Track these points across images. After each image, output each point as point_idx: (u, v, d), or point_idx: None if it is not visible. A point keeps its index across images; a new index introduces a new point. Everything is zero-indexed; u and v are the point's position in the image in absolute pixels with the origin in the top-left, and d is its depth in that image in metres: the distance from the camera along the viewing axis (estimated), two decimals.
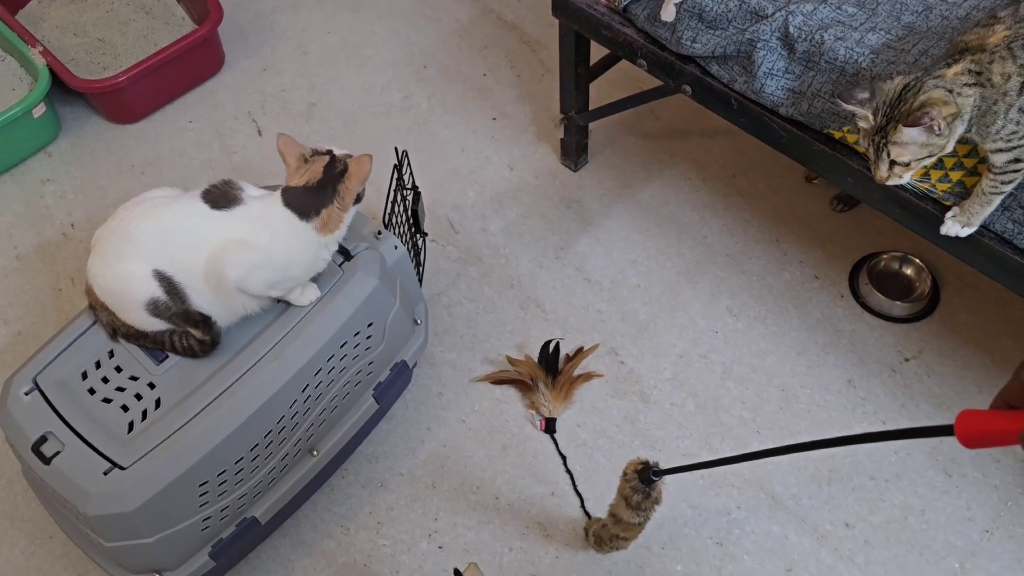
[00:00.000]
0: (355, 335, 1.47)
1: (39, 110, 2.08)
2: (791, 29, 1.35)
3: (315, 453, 1.52)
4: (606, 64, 1.91)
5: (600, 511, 1.58)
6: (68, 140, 2.19)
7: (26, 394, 1.36)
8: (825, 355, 1.76)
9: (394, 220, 1.63)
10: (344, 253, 1.48)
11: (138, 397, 1.35)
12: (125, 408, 1.34)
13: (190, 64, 2.22)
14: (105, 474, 1.28)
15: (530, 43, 2.31)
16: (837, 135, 1.37)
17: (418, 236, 1.78)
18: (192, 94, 2.26)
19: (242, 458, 1.37)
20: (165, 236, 1.34)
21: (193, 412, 1.32)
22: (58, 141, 2.19)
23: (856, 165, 1.37)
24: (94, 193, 2.09)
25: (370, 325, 1.49)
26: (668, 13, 1.46)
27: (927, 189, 1.30)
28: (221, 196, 1.37)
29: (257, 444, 1.39)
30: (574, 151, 2.01)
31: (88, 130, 2.21)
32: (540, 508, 1.60)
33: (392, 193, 1.61)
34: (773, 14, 1.37)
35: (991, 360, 1.72)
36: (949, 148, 1.18)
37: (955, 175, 1.28)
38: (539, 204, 2.01)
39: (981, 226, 1.29)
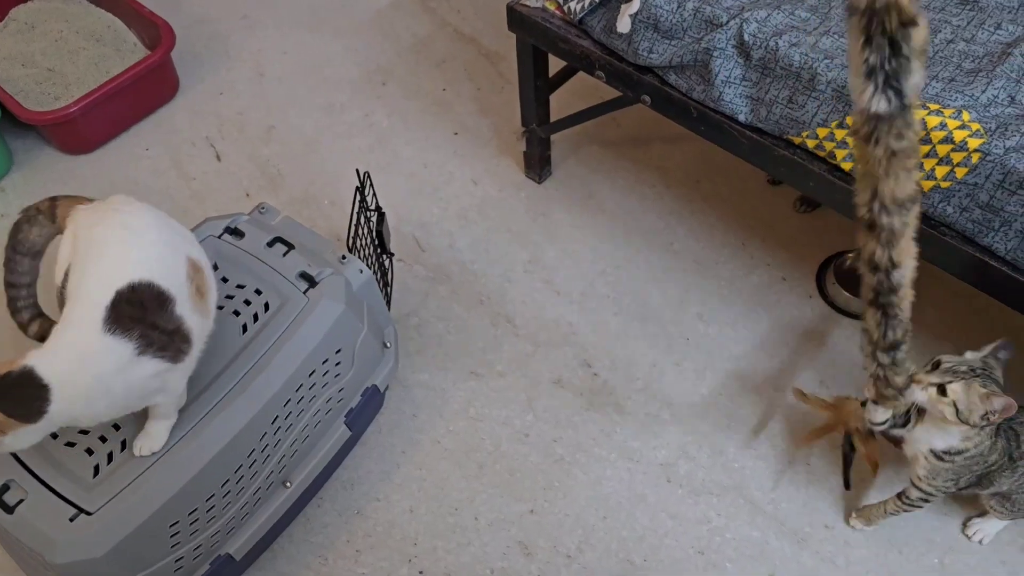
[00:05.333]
0: (323, 363, 1.45)
1: None
2: (746, 36, 1.35)
3: (288, 484, 1.49)
4: (565, 75, 1.90)
5: (580, 526, 1.58)
6: (21, 173, 2.15)
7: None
8: (796, 356, 1.76)
9: (359, 243, 1.61)
10: (308, 280, 1.46)
11: (103, 440, 1.32)
12: (90, 451, 1.30)
13: (144, 91, 2.18)
14: (71, 520, 1.25)
15: (488, 56, 2.30)
16: (796, 140, 1.38)
17: (384, 257, 1.76)
18: (147, 121, 2.22)
19: (213, 495, 1.34)
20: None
21: (160, 452, 1.29)
22: (11, 175, 2.14)
23: (816, 169, 1.38)
24: None
25: (338, 352, 1.47)
26: (623, 24, 1.45)
27: None
28: None
29: (228, 480, 1.36)
30: (537, 163, 2.00)
31: (41, 162, 2.16)
32: (520, 527, 1.59)
33: (355, 216, 1.59)
34: (728, 22, 1.37)
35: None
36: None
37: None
38: (505, 218, 2.00)
39: (943, 225, 1.30)
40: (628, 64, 1.52)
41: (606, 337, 1.81)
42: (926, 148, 1.26)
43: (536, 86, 1.80)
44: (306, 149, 2.14)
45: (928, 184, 1.27)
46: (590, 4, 1.50)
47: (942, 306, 1.80)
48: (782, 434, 1.67)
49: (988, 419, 1.19)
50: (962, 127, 1.23)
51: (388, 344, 1.64)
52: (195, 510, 1.33)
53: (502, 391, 1.75)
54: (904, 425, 1.32)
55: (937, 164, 1.26)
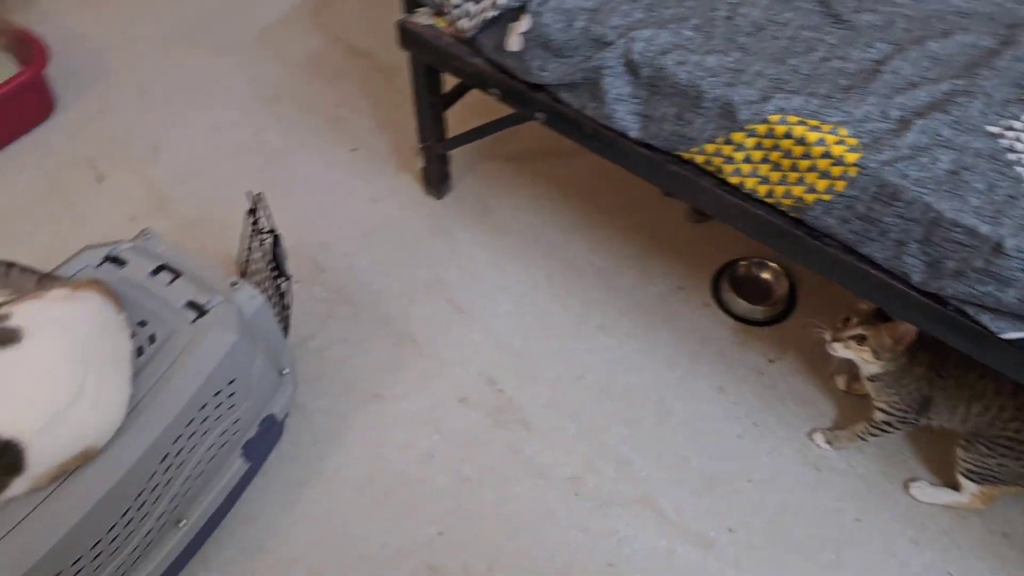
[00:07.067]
0: (216, 395, 1.39)
1: None
2: (634, 55, 1.37)
3: (182, 524, 1.42)
4: (461, 91, 1.90)
5: (490, 546, 1.56)
6: None
7: None
8: (695, 364, 1.80)
9: (252, 267, 1.56)
10: (197, 309, 1.40)
11: None
12: None
13: (16, 109, 2.06)
14: None
15: (384, 71, 2.27)
16: (686, 156, 1.41)
17: (281, 280, 1.71)
18: (21, 142, 2.10)
19: (100, 541, 1.27)
20: None
21: (37, 500, 1.21)
22: None
23: (706, 184, 1.41)
24: None
25: (232, 382, 1.42)
26: (514, 43, 1.45)
27: (775, 202, 1.35)
28: None
29: (115, 525, 1.28)
30: (436, 180, 1.98)
31: None
32: (429, 550, 1.56)
33: (248, 240, 1.54)
34: (615, 41, 1.38)
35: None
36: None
37: (797, 190, 1.33)
38: (406, 236, 1.98)
39: (826, 236, 1.35)
40: (521, 82, 1.52)
41: (510, 353, 1.80)
42: (807, 163, 1.30)
43: (431, 103, 1.79)
44: (195, 170, 2.07)
45: (811, 197, 1.32)
46: (481, 22, 1.49)
47: (830, 308, 1.87)
48: (685, 442, 1.70)
49: (898, 347, 1.46)
50: (840, 142, 1.28)
51: (285, 371, 1.59)
52: (79, 559, 1.25)
53: (406, 413, 1.72)
54: None
55: (819, 178, 1.30)
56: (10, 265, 1.31)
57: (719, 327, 1.85)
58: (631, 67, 1.38)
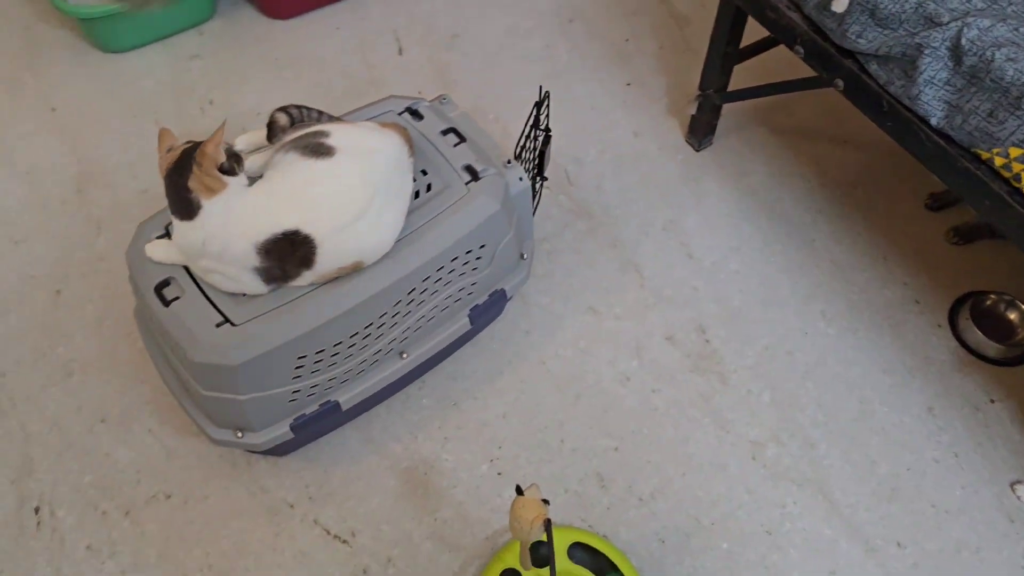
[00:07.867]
0: (467, 252, 1.52)
1: None
2: (963, 41, 1.34)
3: (404, 356, 1.58)
4: (755, 50, 1.91)
5: (658, 475, 1.62)
6: (220, 23, 2.29)
7: (156, 238, 1.44)
8: (911, 378, 1.75)
9: (522, 156, 1.68)
10: (472, 173, 1.53)
11: None
12: None
13: None
14: (217, 326, 1.35)
15: (677, 18, 2.32)
16: (984, 156, 1.37)
17: (539, 178, 1.82)
18: (343, 3, 2.34)
19: (340, 342, 1.44)
20: None
21: (308, 288, 1.39)
22: (211, 22, 2.29)
23: (996, 188, 1.36)
24: (236, 78, 2.18)
25: (482, 247, 1.54)
26: (840, 4, 1.46)
27: None
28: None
29: (357, 333, 1.45)
30: (701, 130, 2.02)
31: (241, 17, 2.30)
32: (602, 460, 1.64)
33: (528, 129, 1.66)
34: (948, 23, 1.36)
35: None
36: None
37: None
38: (657, 175, 2.03)
39: None
40: (831, 45, 1.52)
41: (727, 310, 1.83)
42: None
43: (725, 52, 1.82)
44: (484, 63, 2.22)
45: None
46: None
47: None
48: (878, 446, 1.67)
49: None
50: None
51: (525, 256, 1.70)
52: (322, 350, 1.43)
53: (615, 333, 1.80)
54: None
55: None
56: (320, 112, 1.50)
57: (946, 352, 1.79)
58: (956, 52, 1.36)
